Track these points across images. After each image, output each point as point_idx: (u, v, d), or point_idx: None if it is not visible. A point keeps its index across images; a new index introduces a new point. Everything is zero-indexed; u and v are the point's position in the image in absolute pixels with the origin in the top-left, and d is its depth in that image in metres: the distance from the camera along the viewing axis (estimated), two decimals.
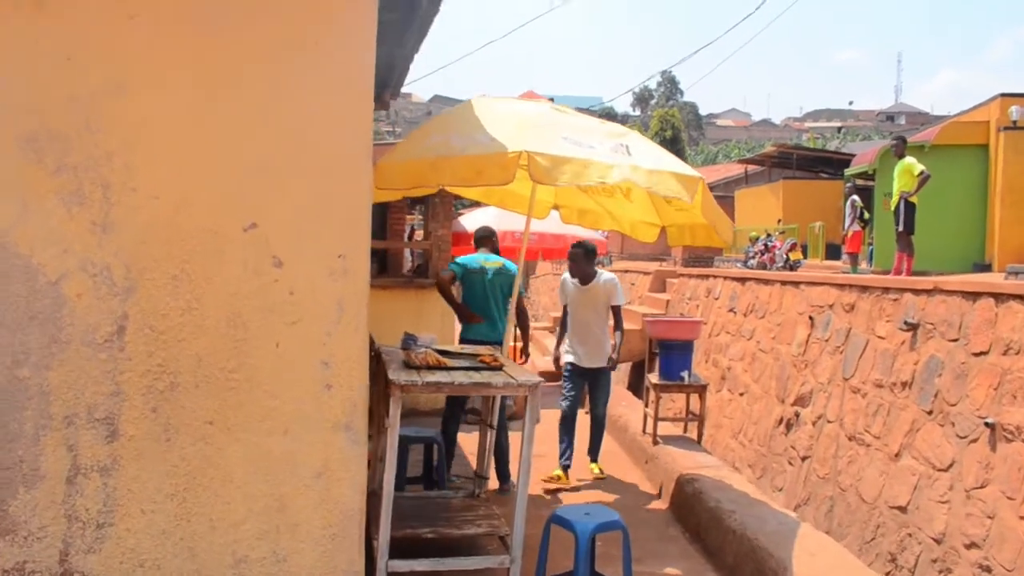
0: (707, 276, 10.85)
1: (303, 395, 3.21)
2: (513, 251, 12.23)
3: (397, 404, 3.73)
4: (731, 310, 9.46)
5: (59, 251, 2.91)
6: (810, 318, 7.51)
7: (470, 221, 10.88)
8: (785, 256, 17.67)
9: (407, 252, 13.38)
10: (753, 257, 18.83)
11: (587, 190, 5.94)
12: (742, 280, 9.42)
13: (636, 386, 11.84)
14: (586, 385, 6.07)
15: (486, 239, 6.01)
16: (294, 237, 3.18)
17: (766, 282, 8.72)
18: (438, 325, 8.16)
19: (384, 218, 11.78)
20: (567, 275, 6.03)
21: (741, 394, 8.60)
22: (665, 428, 7.08)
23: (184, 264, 3.07)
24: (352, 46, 3.17)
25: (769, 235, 19.13)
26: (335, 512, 3.18)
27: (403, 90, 7.52)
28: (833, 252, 19.88)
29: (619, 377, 11.09)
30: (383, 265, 10.34)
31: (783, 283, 8.29)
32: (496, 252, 5.95)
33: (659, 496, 5.83)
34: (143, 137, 2.96)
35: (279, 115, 3.13)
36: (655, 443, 6.69)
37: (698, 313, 10.43)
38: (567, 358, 6.02)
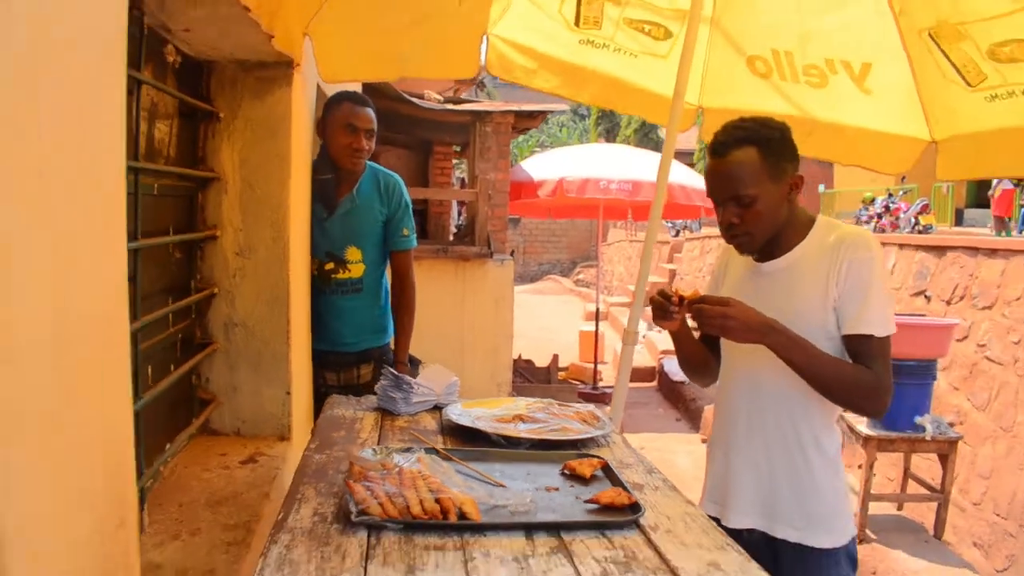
0: None
1: None
2: (594, 209, 9.31)
3: None
4: (920, 294, 6.45)
5: None
6: None
7: (535, 166, 8.00)
8: (913, 219, 14.75)
9: (454, 210, 10.62)
10: (868, 221, 15.88)
11: (773, 70, 3.03)
12: (939, 249, 6.37)
13: None
14: None
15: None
16: None
17: (992, 252, 5.68)
18: (490, 316, 5.41)
19: (425, 163, 9.10)
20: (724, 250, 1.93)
21: (951, 424, 5.64)
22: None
23: None
24: None
25: (891, 195, 16.16)
26: None
27: None
28: (957, 217, 16.80)
29: None
30: (423, 227, 7.67)
31: None
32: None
33: None
34: None
35: None
36: (862, 539, 3.88)
37: None
38: (706, 506, 1.83)
